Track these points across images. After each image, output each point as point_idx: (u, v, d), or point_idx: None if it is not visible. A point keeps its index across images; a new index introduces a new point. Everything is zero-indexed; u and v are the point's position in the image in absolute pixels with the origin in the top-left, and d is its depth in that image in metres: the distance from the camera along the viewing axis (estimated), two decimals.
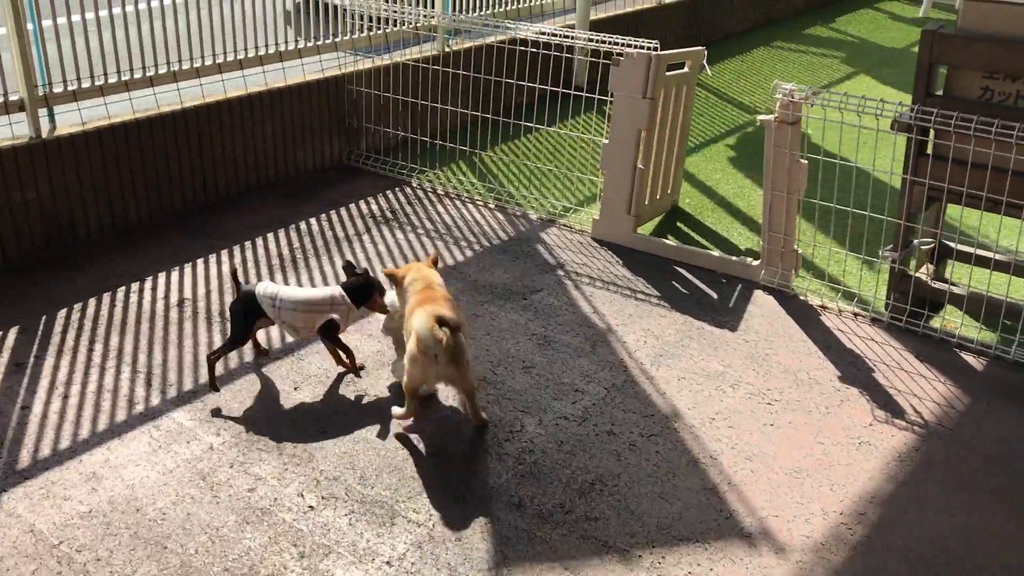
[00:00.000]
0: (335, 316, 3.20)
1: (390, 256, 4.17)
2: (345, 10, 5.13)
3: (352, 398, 3.17)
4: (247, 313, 3.19)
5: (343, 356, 3.29)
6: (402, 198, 4.83)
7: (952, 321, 3.67)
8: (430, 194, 4.88)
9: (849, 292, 3.91)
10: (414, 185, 4.99)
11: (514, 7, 6.20)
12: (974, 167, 3.30)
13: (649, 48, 4.09)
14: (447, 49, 5.62)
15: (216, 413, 3.06)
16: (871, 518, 2.68)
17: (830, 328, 3.66)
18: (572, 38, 4.41)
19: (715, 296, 3.90)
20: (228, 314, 3.43)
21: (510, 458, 2.88)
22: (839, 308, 3.81)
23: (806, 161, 3.68)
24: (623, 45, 4.18)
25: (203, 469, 2.81)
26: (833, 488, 2.80)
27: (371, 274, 3.29)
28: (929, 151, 3.46)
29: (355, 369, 3.30)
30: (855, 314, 3.77)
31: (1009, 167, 3.22)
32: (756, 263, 3.99)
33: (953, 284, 3.72)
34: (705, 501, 2.73)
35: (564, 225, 4.56)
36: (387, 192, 4.89)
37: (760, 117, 3.74)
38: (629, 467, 2.86)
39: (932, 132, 3.40)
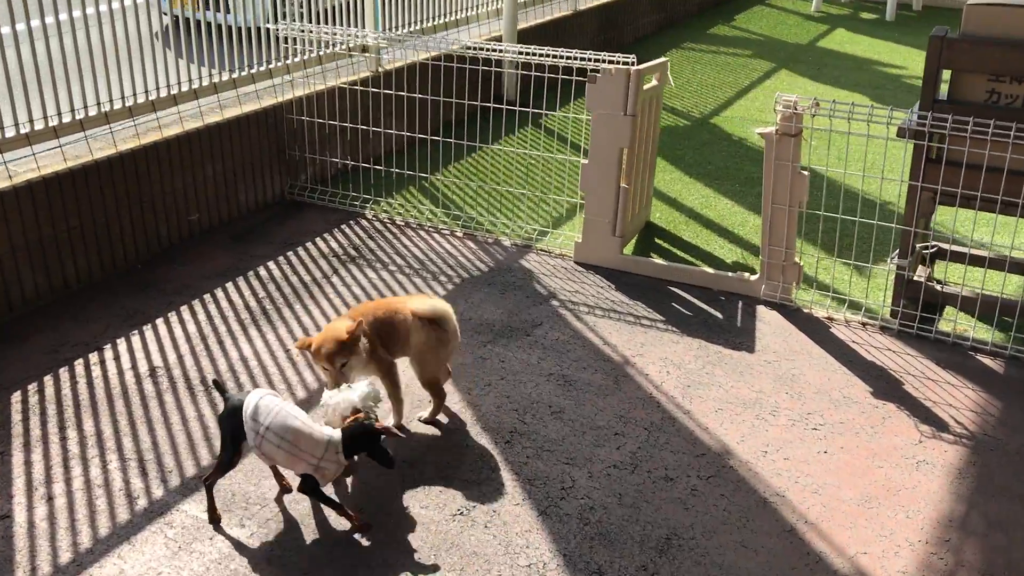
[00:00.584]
0: (323, 467, 2.54)
1: (368, 298, 3.87)
2: (278, 35, 4.78)
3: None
4: (234, 433, 2.57)
5: (333, 510, 2.65)
6: (360, 232, 4.52)
7: (961, 324, 3.66)
8: (390, 226, 4.59)
9: (851, 301, 3.85)
10: (369, 217, 4.69)
11: (442, 21, 5.95)
12: (986, 170, 3.28)
13: (626, 63, 3.94)
14: (380, 69, 5.33)
15: (232, 500, 2.72)
16: (956, 543, 2.60)
17: (844, 341, 3.60)
18: (536, 54, 4.21)
19: (720, 316, 3.78)
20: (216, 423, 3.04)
21: (572, 519, 2.66)
22: (846, 318, 3.75)
23: (807, 172, 3.60)
24: (596, 61, 4.01)
25: (239, 569, 2.47)
26: (909, 515, 2.70)
27: (371, 419, 2.61)
28: (933, 156, 3.42)
29: (359, 528, 2.61)
30: (863, 323, 3.72)
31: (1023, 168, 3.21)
32: (754, 278, 3.89)
33: (957, 286, 3.71)
34: (789, 545, 2.59)
35: (541, 250, 4.35)
36: (342, 227, 4.57)
37: (758, 130, 3.64)
38: (699, 516, 2.68)
39: (935, 138, 3.36)
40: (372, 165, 5.02)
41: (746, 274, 3.94)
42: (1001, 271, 3.70)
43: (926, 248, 3.67)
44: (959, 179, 3.32)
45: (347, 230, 4.55)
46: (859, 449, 2.98)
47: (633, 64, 3.93)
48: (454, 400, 3.21)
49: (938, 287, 3.61)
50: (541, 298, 3.91)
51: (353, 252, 4.31)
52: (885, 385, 3.31)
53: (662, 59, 4.36)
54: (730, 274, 3.96)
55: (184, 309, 3.78)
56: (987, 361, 3.46)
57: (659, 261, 4.11)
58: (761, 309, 3.83)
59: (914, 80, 7.12)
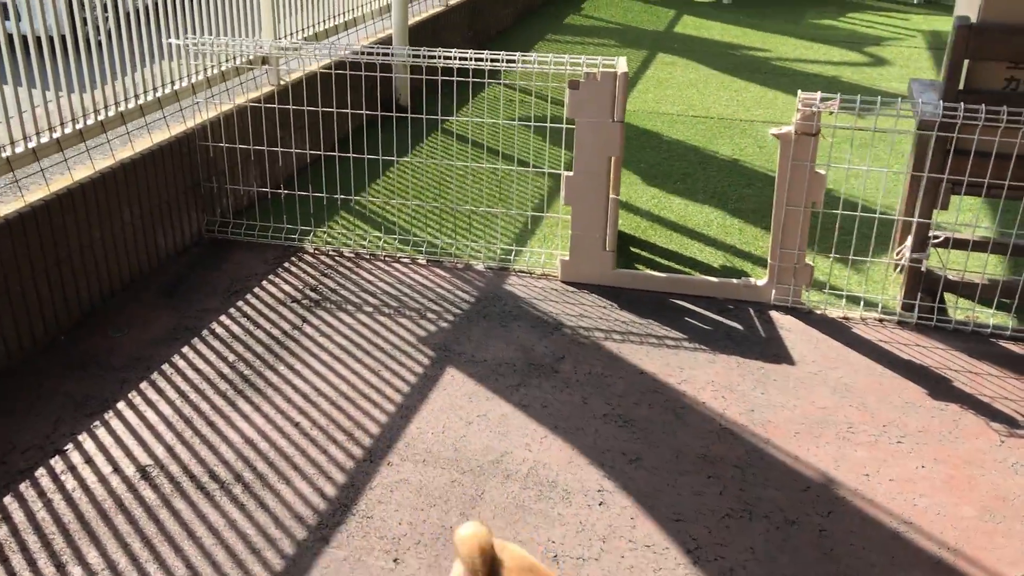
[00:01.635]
0: None
1: (363, 352, 3.39)
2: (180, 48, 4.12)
3: None
4: None
5: None
6: (310, 270, 4.00)
7: (971, 311, 3.67)
8: (339, 259, 4.08)
9: (862, 299, 3.77)
10: (311, 250, 4.16)
11: (333, 24, 5.42)
12: (999, 157, 3.27)
13: (612, 67, 3.66)
14: (282, 82, 4.76)
15: None
16: None
17: (873, 341, 3.51)
18: (506, 60, 3.84)
19: (740, 327, 3.60)
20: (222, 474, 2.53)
21: None
22: (862, 316, 3.67)
23: (823, 171, 3.48)
24: (575, 64, 3.70)
25: None
26: None
27: None
28: (955, 147, 3.38)
29: None
30: (880, 320, 3.66)
31: None
32: (762, 282, 3.74)
33: (969, 273, 3.71)
34: None
35: (520, 272, 4.01)
36: (285, 265, 4.03)
37: (773, 131, 3.47)
38: (844, 561, 2.48)
39: (958, 129, 3.32)
40: (296, 191, 4.46)
41: (752, 279, 3.79)
42: (1002, 255, 3.74)
43: (935, 239, 3.64)
44: (986, 169, 3.29)
45: (293, 268, 4.01)
46: (951, 459, 2.89)
47: (619, 67, 3.66)
48: (518, 459, 2.83)
49: (954, 276, 3.60)
50: (548, 327, 3.58)
51: (314, 295, 3.79)
52: (936, 384, 3.25)
53: (620, 58, 4.11)
54: (735, 281, 3.79)
55: (145, 387, 3.16)
56: (1012, 347, 3.48)
57: (656, 274, 3.87)
58: (776, 315, 3.68)
59: (787, 63, 7.29)
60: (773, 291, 3.71)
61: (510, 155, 5.18)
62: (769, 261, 3.69)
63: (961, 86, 3.30)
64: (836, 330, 3.58)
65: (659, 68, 7.05)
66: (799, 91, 3.39)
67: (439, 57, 3.81)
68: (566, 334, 3.53)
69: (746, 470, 2.82)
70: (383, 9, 6.03)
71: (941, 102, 3.20)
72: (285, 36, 4.89)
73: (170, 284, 3.86)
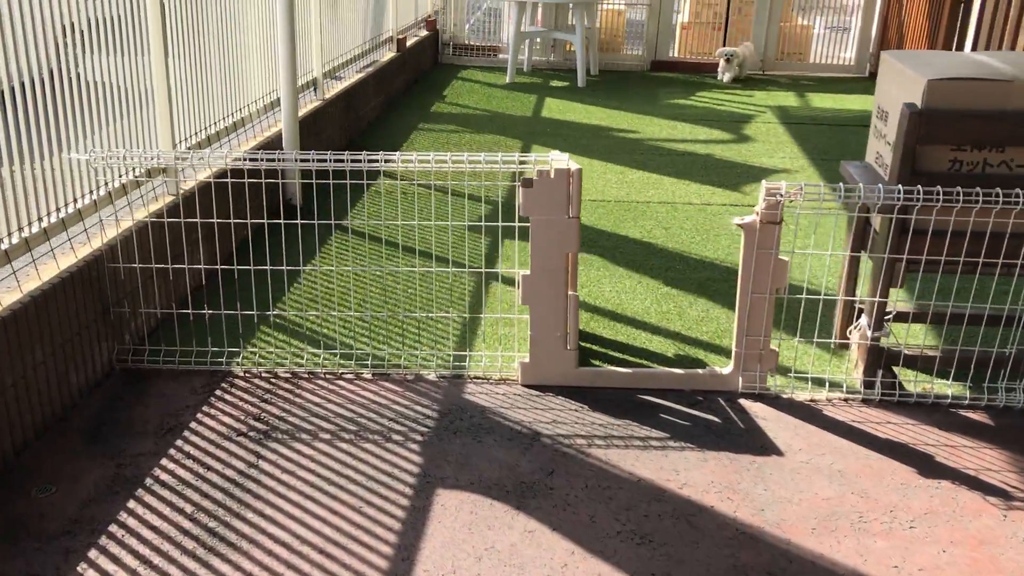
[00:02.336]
0: None
1: (337, 487, 3.08)
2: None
3: None
4: None
5: None
6: (246, 396, 3.64)
7: (933, 383, 3.76)
8: (276, 381, 3.75)
9: (819, 379, 3.79)
10: (241, 374, 3.80)
11: (223, 126, 5.10)
12: (954, 235, 3.39)
13: (564, 163, 3.58)
14: (181, 192, 4.40)
15: None
16: None
17: (847, 422, 3.52)
18: (453, 161, 3.67)
19: (716, 419, 3.53)
20: None
21: None
22: (827, 398, 3.69)
23: (787, 257, 3.50)
24: (527, 163, 3.60)
25: None
26: None
27: None
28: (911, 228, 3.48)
29: None
30: (844, 400, 3.69)
31: (993, 231, 3.37)
32: (727, 371, 3.71)
33: (917, 347, 3.81)
34: None
35: (477, 378, 3.80)
36: (216, 393, 3.65)
37: (736, 221, 3.47)
38: None
39: (912, 210, 3.42)
40: (206, 309, 4.09)
41: (717, 368, 3.75)
42: (949, 325, 3.87)
43: (888, 314, 3.73)
44: (941, 247, 3.40)
45: (228, 396, 3.64)
46: (967, 540, 2.89)
47: (570, 163, 3.59)
48: None
49: (910, 351, 3.69)
50: (525, 438, 3.38)
51: (260, 425, 3.44)
52: (921, 463, 3.28)
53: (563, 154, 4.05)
54: (701, 371, 3.74)
55: (96, 556, 2.72)
56: (972, 415, 3.58)
57: (620, 370, 3.77)
58: (747, 404, 3.64)
59: (659, 143, 7.49)
60: (740, 379, 3.68)
61: (427, 253, 5.00)
62: (734, 349, 3.66)
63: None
64: (809, 414, 3.58)
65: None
66: (763, 182, 3.41)
67: (363, 160, 3.62)
68: (546, 444, 3.35)
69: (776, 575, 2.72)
70: (271, 105, 5.75)
71: (900, 186, 3.29)
72: (180, 142, 4.54)
73: (91, 427, 3.41)
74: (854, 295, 3.94)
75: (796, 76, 10.59)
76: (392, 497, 3.05)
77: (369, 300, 4.43)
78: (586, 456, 3.28)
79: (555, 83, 9.94)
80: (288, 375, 3.81)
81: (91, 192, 3.80)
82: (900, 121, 3.32)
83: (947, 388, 3.73)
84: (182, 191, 4.39)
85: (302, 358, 3.90)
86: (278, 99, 5.93)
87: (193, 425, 3.44)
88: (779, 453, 3.32)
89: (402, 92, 9.18)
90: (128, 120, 4.12)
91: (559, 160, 3.59)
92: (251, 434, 3.39)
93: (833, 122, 8.30)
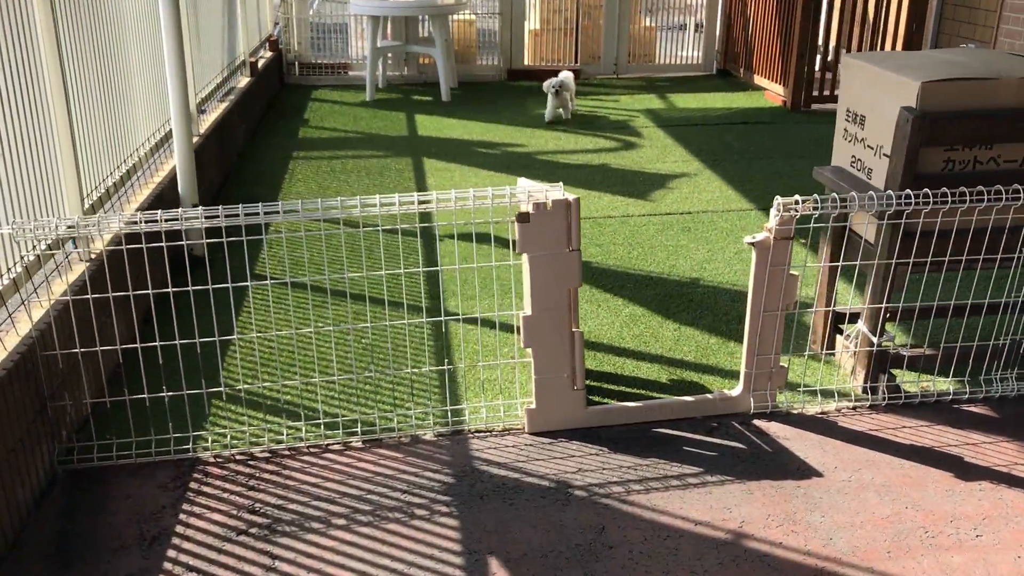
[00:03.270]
0: None
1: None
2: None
3: None
4: None
5: None
6: (229, 486, 3.19)
7: (924, 382, 3.78)
8: (255, 464, 3.31)
9: (819, 390, 3.73)
10: (211, 459, 3.33)
11: (124, 169, 4.51)
12: (953, 233, 3.41)
13: (560, 193, 3.34)
14: (92, 257, 3.84)
15: None
16: None
17: (866, 432, 3.48)
18: (440, 200, 3.33)
19: (740, 445, 3.40)
20: None
21: None
22: (837, 408, 3.64)
23: (797, 272, 3.40)
24: (513, 196, 3.34)
25: None
26: None
27: None
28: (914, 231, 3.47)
29: None
30: (853, 408, 3.64)
31: (986, 227, 3.41)
32: (736, 392, 3.58)
33: (912, 348, 3.82)
34: None
35: (479, 432, 3.50)
36: (191, 486, 3.18)
37: (748, 240, 3.34)
38: None
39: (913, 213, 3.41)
40: (146, 392, 3.57)
41: (726, 391, 3.61)
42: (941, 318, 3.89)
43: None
44: (945, 247, 3.41)
45: (207, 489, 3.17)
46: None
47: (562, 191, 3.35)
48: None
49: (908, 352, 3.69)
50: (557, 494, 3.13)
51: (259, 519, 3.01)
52: (953, 465, 3.27)
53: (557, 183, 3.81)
54: (710, 396, 3.60)
55: None
56: (976, 410, 3.62)
57: (629, 404, 3.56)
58: (762, 424, 3.53)
59: (550, 155, 7.34)
60: (751, 399, 3.57)
61: (367, 298, 4.62)
62: (743, 369, 3.55)
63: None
64: (826, 428, 3.51)
65: (438, 176, 6.78)
66: (776, 197, 3.30)
67: (339, 208, 3.25)
68: (582, 498, 3.11)
69: None
70: (158, 145, 5.17)
71: (909, 190, 3.26)
72: (86, 197, 3.97)
73: (56, 550, 2.87)
74: (833, 304, 3.92)
75: (649, 77, 10.76)
76: None
77: (332, 360, 4.03)
78: (629, 505, 3.07)
79: (417, 98, 9.63)
80: (267, 454, 3.38)
81: (8, 269, 3.23)
82: (900, 125, 3.30)
83: (944, 384, 3.77)
84: (92, 256, 3.83)
85: (280, 433, 3.47)
86: (163, 138, 5.37)
87: (180, 529, 2.97)
88: (818, 474, 3.23)
89: (260, 119, 8.62)
90: (28, 177, 3.53)
91: (554, 190, 3.35)
92: (253, 531, 2.96)
93: (707, 122, 8.44)
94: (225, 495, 3.15)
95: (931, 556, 2.82)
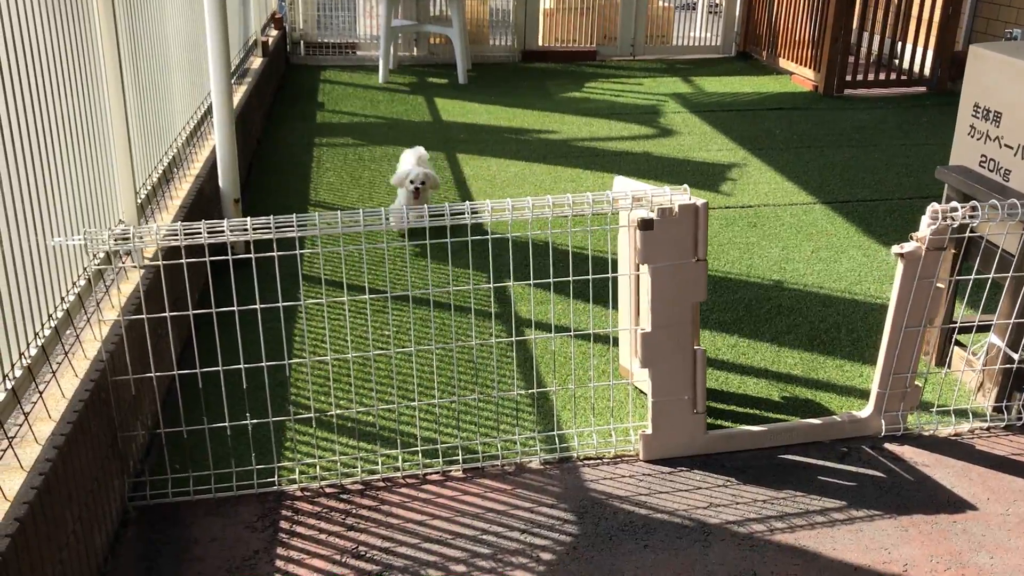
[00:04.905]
0: None
1: None
2: None
3: None
4: None
5: None
6: (324, 525, 2.85)
7: None
8: (347, 498, 2.97)
9: (950, 410, 3.45)
10: (297, 493, 2.99)
11: (166, 161, 4.11)
12: None
13: (687, 197, 3.01)
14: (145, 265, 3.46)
15: None
16: None
17: (1009, 457, 3.20)
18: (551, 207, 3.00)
19: (879, 474, 3.11)
20: None
21: None
22: (971, 430, 3.36)
23: (943, 285, 3.11)
24: (637, 200, 3.00)
25: None
26: None
27: None
28: None
29: None
30: (987, 429, 3.37)
31: None
32: (865, 414, 3.30)
33: None
34: None
35: (589, 460, 3.18)
36: (281, 524, 2.83)
37: (896, 249, 3.03)
38: None
39: None
40: (214, 422, 3.21)
41: (854, 412, 3.33)
42: None
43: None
44: None
45: (300, 529, 2.83)
46: None
47: (688, 194, 3.03)
48: None
49: None
50: (694, 533, 2.82)
51: (367, 565, 2.68)
52: None
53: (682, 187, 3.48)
54: (838, 418, 3.31)
55: None
56: None
57: (754, 428, 3.26)
58: (895, 448, 3.25)
59: (585, 143, 7.00)
60: (882, 421, 3.28)
61: (448, 305, 4.27)
62: (876, 389, 3.25)
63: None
64: (965, 453, 3.24)
65: (474, 167, 6.41)
66: (931, 204, 3.00)
67: (447, 214, 2.90)
68: (723, 539, 2.80)
69: None
70: (192, 134, 4.78)
71: None
72: (138, 191, 3.58)
73: None
74: (953, 318, 3.64)
75: (668, 59, 10.42)
76: None
77: (412, 378, 3.69)
78: (776, 547, 2.77)
79: (433, 80, 9.22)
80: (360, 486, 3.04)
81: (73, 284, 2.86)
82: None
83: None
84: (145, 265, 3.45)
85: (374, 463, 3.13)
86: (195, 128, 4.97)
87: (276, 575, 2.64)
88: (972, 507, 2.95)
89: (273, 102, 8.19)
90: (80, 173, 3.14)
91: (679, 194, 3.03)
92: (360, 570, 2.64)
93: (740, 108, 8.13)
94: (323, 536, 2.81)
95: None
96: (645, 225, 2.99)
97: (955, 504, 2.97)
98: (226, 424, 3.02)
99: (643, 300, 3.15)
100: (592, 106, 8.17)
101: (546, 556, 2.73)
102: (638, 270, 3.16)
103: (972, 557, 2.74)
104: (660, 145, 6.94)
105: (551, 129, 7.41)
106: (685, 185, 3.07)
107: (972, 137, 3.51)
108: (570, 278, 3.12)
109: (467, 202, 2.93)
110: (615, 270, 3.48)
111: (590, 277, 3.28)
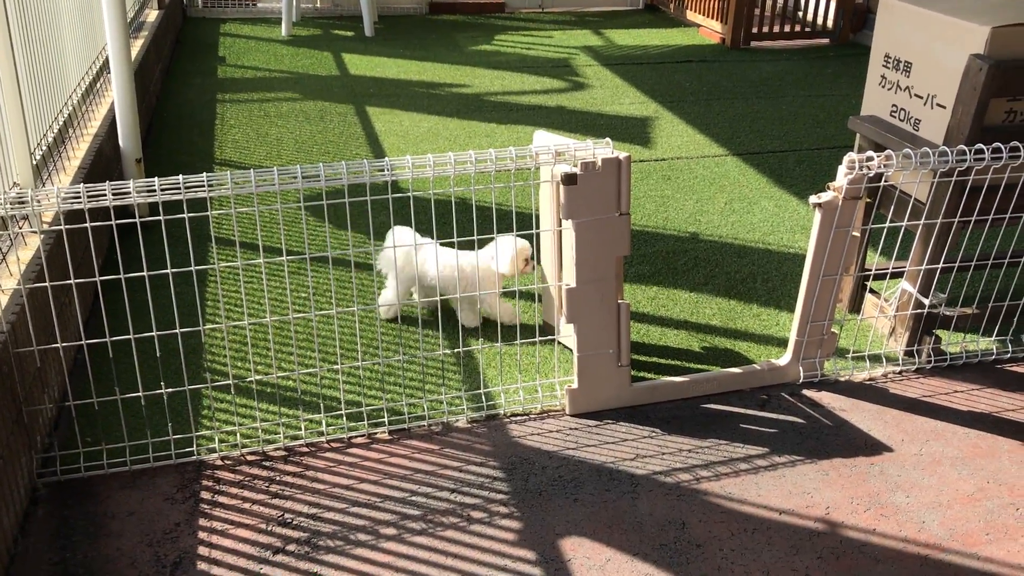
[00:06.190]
0: None
1: None
2: None
3: None
4: None
5: None
6: (249, 494, 2.77)
7: (968, 342, 3.63)
8: (271, 464, 2.89)
9: (863, 355, 3.54)
10: (218, 462, 2.89)
11: (61, 119, 3.89)
12: (1004, 189, 3.24)
13: (609, 151, 2.98)
14: (43, 229, 3.27)
15: None
16: None
17: (920, 399, 3.30)
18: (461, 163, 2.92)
19: (799, 419, 3.18)
20: None
21: None
22: (883, 374, 3.46)
23: (858, 234, 3.17)
24: (559, 154, 2.96)
25: None
26: None
27: None
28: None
29: None
30: (899, 373, 3.47)
31: None
32: (784, 361, 3.36)
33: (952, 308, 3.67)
34: None
35: (516, 416, 3.17)
36: (202, 495, 2.75)
37: (814, 200, 3.07)
38: None
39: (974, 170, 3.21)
40: (127, 392, 3.08)
41: (773, 361, 3.38)
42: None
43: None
44: (1008, 202, 3.24)
45: (223, 499, 2.75)
46: None
47: (611, 147, 3.00)
48: None
49: (949, 312, 3.53)
50: (622, 485, 2.84)
51: (294, 532, 2.62)
52: (1017, 432, 3.13)
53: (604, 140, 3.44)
54: (758, 366, 3.36)
55: None
56: (1019, 369, 3.50)
57: (677, 379, 3.29)
58: (812, 395, 3.32)
59: (499, 96, 6.91)
60: (800, 369, 3.35)
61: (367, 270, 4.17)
62: (794, 337, 3.31)
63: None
64: (879, 396, 3.33)
65: (385, 122, 6.27)
66: (848, 154, 3.03)
67: (366, 173, 2.81)
68: (651, 489, 2.83)
69: None
70: (87, 91, 4.53)
71: (982, 145, 3.05)
72: (32, 152, 3.37)
73: None
74: (866, 266, 3.73)
75: (577, 12, 10.35)
76: None
77: (341, 342, 3.60)
78: (703, 495, 2.81)
79: (338, 33, 8.97)
80: (283, 453, 2.97)
81: None
82: (970, 74, 3.07)
83: (984, 343, 3.64)
84: (45, 230, 3.26)
85: (297, 428, 3.06)
86: (91, 84, 4.72)
87: (204, 551, 2.55)
88: (888, 449, 3.04)
89: (171, 57, 7.85)
90: None
91: (602, 148, 3.00)
92: (292, 548, 2.57)
93: (650, 60, 8.13)
94: (247, 505, 2.73)
95: None
96: (568, 180, 2.96)
97: (872, 447, 3.06)
98: (140, 394, 2.90)
99: (567, 256, 3.13)
100: (503, 59, 8.07)
101: (477, 515, 2.71)
102: (561, 225, 3.14)
103: (890, 497, 2.83)
104: (573, 99, 6.91)
105: (463, 83, 7.30)
106: (608, 138, 3.04)
107: (883, 87, 3.57)
108: (494, 235, 3.07)
109: (386, 159, 2.85)
110: (538, 226, 3.44)
111: (514, 235, 3.24)
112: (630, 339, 3.20)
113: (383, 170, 2.81)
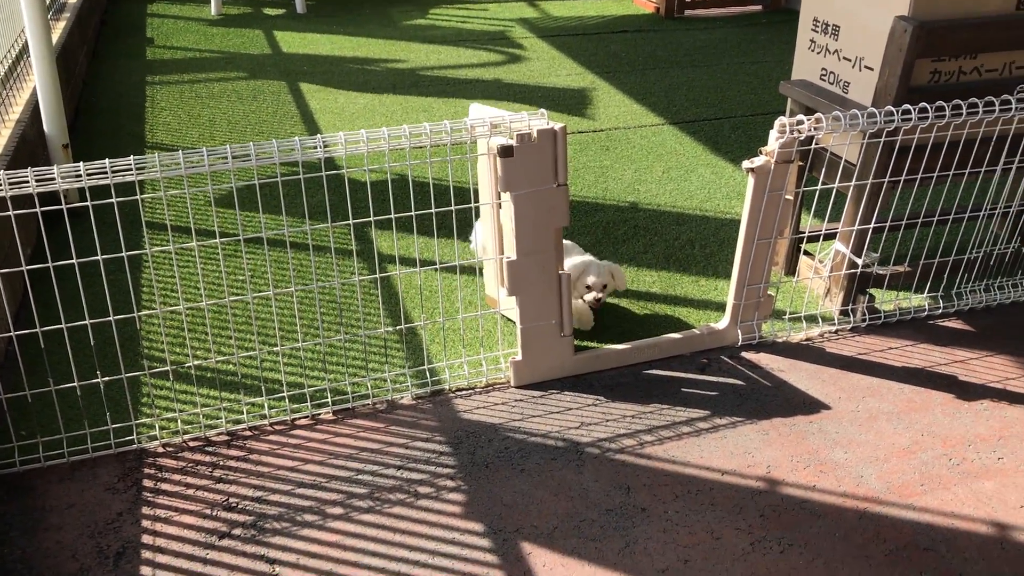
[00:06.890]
0: None
1: None
2: None
3: None
4: None
5: None
6: (192, 480, 2.74)
7: (901, 300, 3.71)
8: (214, 450, 2.86)
9: (799, 316, 3.60)
10: (159, 450, 2.85)
11: None
12: (931, 149, 3.31)
13: (544, 122, 2.97)
14: None
15: None
16: None
17: (856, 357, 3.38)
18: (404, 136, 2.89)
19: (738, 381, 3.23)
20: None
21: None
22: (820, 334, 3.52)
23: (791, 197, 3.21)
24: (495, 127, 2.95)
25: None
26: None
27: None
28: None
29: None
30: (835, 333, 3.54)
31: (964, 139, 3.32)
32: (723, 326, 3.40)
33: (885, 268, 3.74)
34: None
35: (461, 391, 3.17)
36: (145, 484, 2.71)
37: (747, 164, 3.09)
38: None
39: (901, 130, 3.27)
40: (61, 383, 3.02)
41: (712, 324, 3.42)
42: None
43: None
44: (934, 161, 3.30)
45: (166, 486, 2.71)
46: None
47: (546, 118, 2.99)
48: None
49: (882, 271, 3.61)
50: (568, 453, 2.86)
51: (239, 516, 2.59)
52: (950, 385, 3.22)
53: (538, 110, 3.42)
54: (697, 331, 3.40)
55: None
56: (952, 324, 3.60)
57: (619, 347, 3.31)
58: (751, 356, 3.37)
59: (435, 71, 6.85)
60: (739, 331, 3.40)
61: (303, 249, 4.11)
62: (731, 301, 3.36)
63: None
64: (816, 356, 3.40)
65: (320, 100, 6.18)
66: (779, 119, 3.06)
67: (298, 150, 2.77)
68: (596, 455, 2.86)
69: (935, 550, 2.51)
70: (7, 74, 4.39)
71: (909, 106, 3.10)
72: None
73: None
74: (800, 228, 3.79)
75: None
76: (480, 573, 2.43)
77: (280, 324, 3.55)
78: (647, 459, 2.85)
79: (269, 11, 8.79)
80: (226, 437, 2.93)
81: None
82: (895, 36, 3.12)
83: (916, 300, 3.73)
84: None
85: (240, 412, 3.02)
86: (10, 68, 4.57)
87: (148, 539, 2.52)
88: (826, 407, 3.11)
89: (97, 38, 7.63)
90: None
91: (537, 119, 2.99)
92: (237, 532, 2.55)
93: (586, 32, 8.12)
94: (190, 491, 2.70)
95: (963, 485, 2.76)
96: (505, 152, 2.95)
97: (810, 405, 3.13)
98: (75, 384, 2.84)
99: (507, 228, 3.12)
100: (438, 33, 8.00)
101: (424, 490, 2.71)
102: (500, 198, 3.14)
103: (829, 453, 2.90)
104: (510, 71, 6.88)
105: (398, 58, 7.22)
106: (542, 110, 3.04)
107: (812, 51, 3.62)
108: (432, 210, 3.06)
109: (319, 135, 2.81)
110: (477, 200, 3.43)
111: (452, 208, 3.22)
112: (572, 309, 3.22)
113: (315, 147, 2.78)
